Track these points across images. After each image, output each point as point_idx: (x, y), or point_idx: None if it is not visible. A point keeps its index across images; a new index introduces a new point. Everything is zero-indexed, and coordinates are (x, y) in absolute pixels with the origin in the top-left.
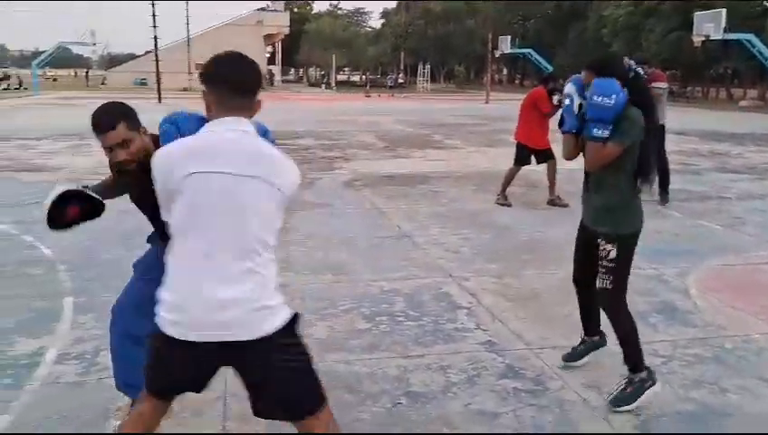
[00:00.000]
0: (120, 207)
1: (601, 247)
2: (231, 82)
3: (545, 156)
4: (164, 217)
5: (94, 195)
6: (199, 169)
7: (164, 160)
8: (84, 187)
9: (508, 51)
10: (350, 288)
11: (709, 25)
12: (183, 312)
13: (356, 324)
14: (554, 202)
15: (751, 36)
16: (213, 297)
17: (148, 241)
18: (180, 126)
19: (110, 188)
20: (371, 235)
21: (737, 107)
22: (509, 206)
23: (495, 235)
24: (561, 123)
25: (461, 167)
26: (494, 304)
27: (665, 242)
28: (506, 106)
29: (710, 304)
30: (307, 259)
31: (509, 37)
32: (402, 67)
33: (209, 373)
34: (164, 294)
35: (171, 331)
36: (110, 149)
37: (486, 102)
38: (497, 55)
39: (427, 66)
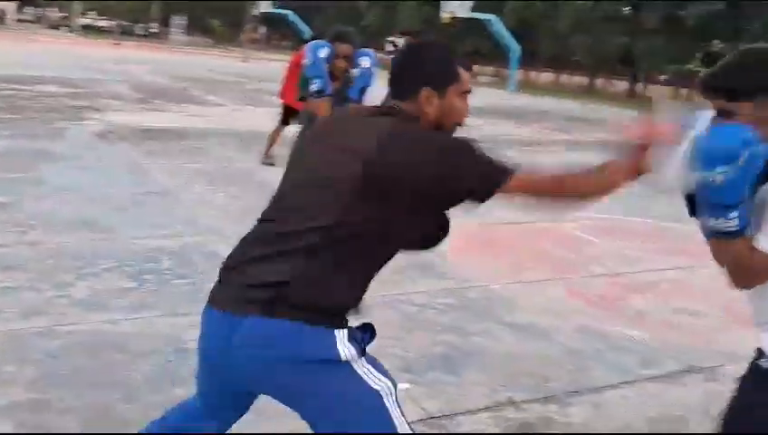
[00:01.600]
0: None
1: None
2: None
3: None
4: None
5: None
6: None
7: None
8: None
9: (267, 10)
10: (110, 246)
11: (455, 3)
12: None
13: (120, 283)
14: None
15: (492, 17)
16: None
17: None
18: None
19: None
20: (132, 191)
21: (478, 83)
22: (273, 165)
23: (263, 194)
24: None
25: (224, 124)
26: None
27: None
28: (266, 66)
29: (459, 261)
30: (60, 215)
31: None
32: (156, 17)
33: None
34: None
35: None
36: None
37: (245, 61)
38: (256, 14)
39: (184, 18)
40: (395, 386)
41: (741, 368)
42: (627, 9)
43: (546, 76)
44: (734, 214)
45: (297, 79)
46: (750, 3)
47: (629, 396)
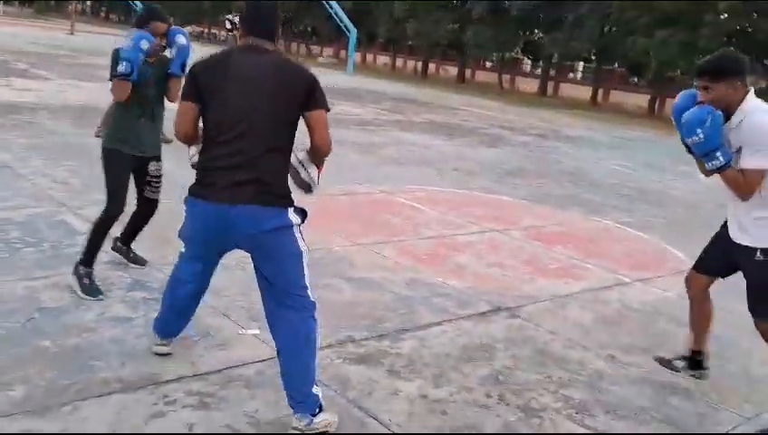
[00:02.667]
0: None
1: None
2: None
3: None
4: None
5: None
6: None
7: None
8: None
9: None
10: None
11: None
12: None
13: None
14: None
15: None
16: None
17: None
18: None
19: None
20: None
21: (317, 63)
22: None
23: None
24: None
25: (55, 99)
26: (113, 229)
27: None
28: (94, 39)
29: (304, 227)
30: None
31: None
32: None
33: None
34: None
35: None
36: None
37: (72, 33)
38: None
39: None
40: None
41: (537, 307)
42: None
43: (383, 60)
44: (719, 153)
45: None
46: None
47: (448, 331)
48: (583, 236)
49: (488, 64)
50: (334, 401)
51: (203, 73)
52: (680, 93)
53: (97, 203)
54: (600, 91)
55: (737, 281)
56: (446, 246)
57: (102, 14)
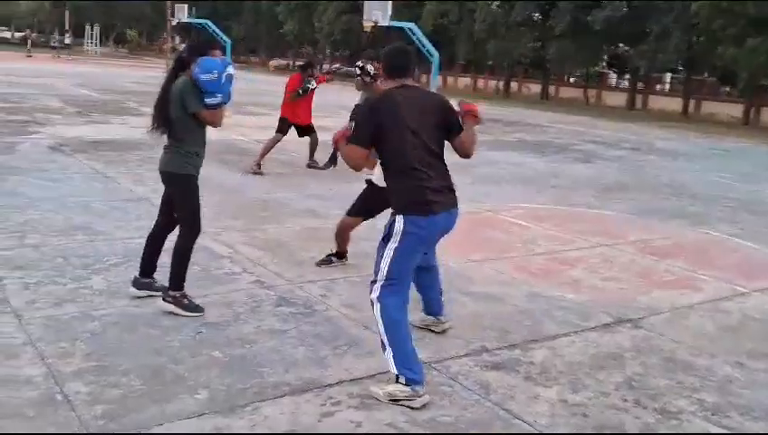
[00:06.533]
0: None
1: None
2: None
3: (308, 131)
4: None
5: None
6: None
7: None
8: None
9: (185, 20)
10: (109, 245)
11: (378, 12)
12: None
13: (132, 275)
14: (312, 166)
15: (412, 25)
16: None
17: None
18: None
19: None
20: (107, 198)
21: None
22: (261, 174)
23: (227, 196)
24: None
25: None
26: (251, 252)
27: None
28: None
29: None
30: (49, 222)
31: (186, 5)
32: (67, 27)
33: None
34: None
35: None
36: None
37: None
38: (174, 24)
39: (96, 27)
40: None
41: (659, 318)
42: (537, 15)
43: (464, 81)
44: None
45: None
46: (651, 7)
47: (576, 341)
48: (693, 248)
49: (571, 80)
50: (479, 403)
51: (381, 113)
52: None
53: (228, 229)
54: (692, 103)
55: None
56: (558, 260)
57: None
